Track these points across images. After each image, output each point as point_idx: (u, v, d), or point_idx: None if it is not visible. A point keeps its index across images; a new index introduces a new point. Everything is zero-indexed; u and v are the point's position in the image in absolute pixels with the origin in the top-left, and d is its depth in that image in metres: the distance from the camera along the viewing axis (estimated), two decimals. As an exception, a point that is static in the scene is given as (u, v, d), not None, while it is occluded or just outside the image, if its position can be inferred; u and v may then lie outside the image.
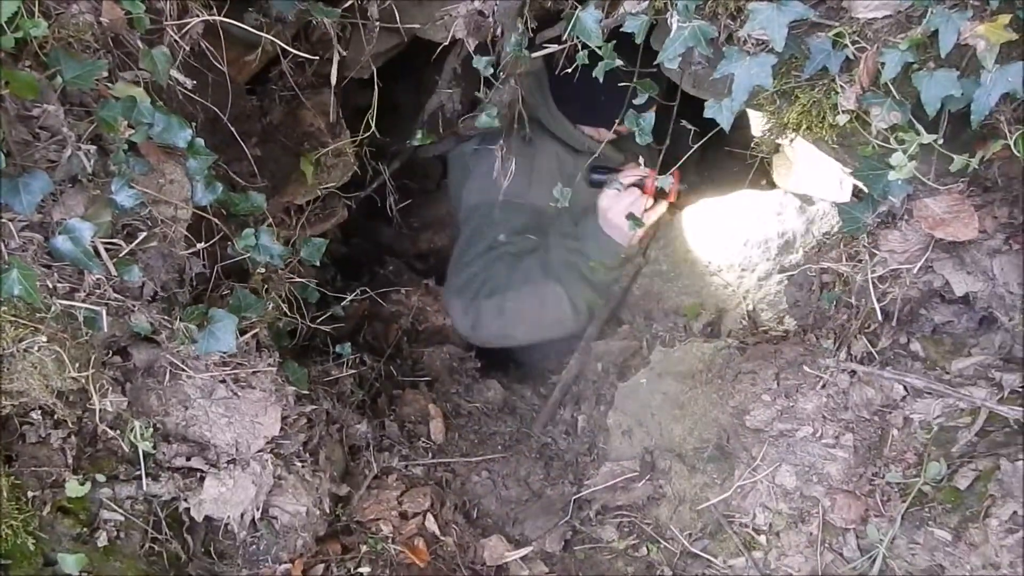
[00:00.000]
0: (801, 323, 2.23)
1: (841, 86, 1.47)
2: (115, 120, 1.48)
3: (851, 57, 1.46)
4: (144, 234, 1.53)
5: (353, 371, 2.40)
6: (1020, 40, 1.27)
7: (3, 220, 1.35)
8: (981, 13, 1.30)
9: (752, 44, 1.52)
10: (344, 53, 2.34)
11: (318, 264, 2.04)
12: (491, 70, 2.13)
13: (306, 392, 2.06)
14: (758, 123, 2.01)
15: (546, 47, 2.16)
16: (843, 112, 1.47)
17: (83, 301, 1.46)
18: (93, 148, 1.45)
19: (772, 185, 2.50)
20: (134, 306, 1.55)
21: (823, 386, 2.02)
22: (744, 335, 2.36)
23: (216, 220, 1.80)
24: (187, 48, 1.80)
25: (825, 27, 1.48)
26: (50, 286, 1.43)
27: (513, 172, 2.46)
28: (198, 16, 1.81)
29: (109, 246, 1.49)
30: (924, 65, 1.38)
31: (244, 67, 2.44)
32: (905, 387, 1.93)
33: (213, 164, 1.72)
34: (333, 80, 2.35)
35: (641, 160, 2.33)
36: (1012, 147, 1.36)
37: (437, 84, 2.92)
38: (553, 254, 2.57)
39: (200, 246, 1.65)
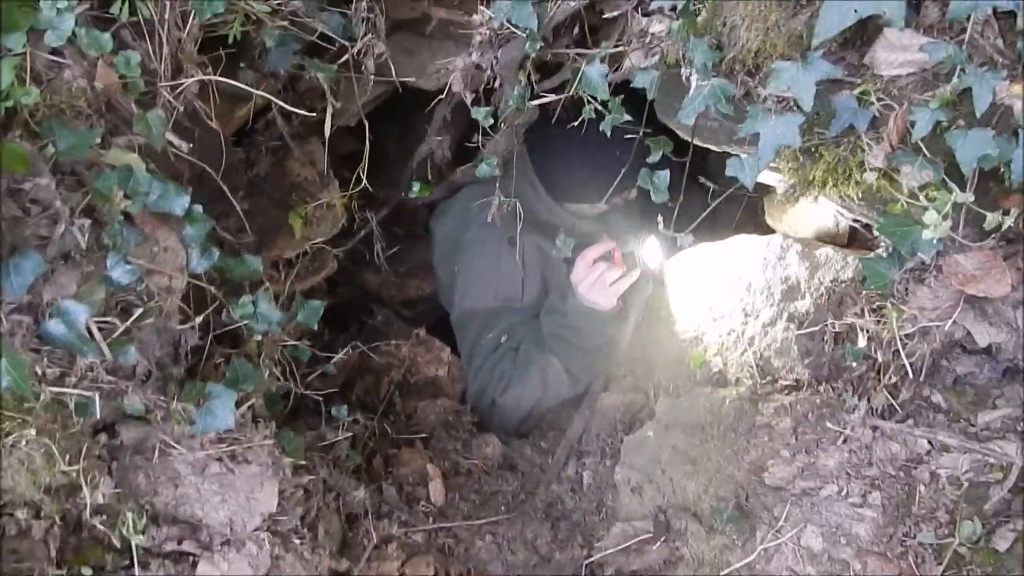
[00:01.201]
0: (815, 374, 2.18)
1: (868, 143, 1.43)
2: (110, 191, 1.39)
3: (877, 115, 1.42)
4: (140, 310, 1.43)
5: (348, 434, 2.31)
6: (1059, 100, 1.24)
7: (-10, 304, 1.25)
8: (1013, 73, 1.27)
9: (773, 101, 1.48)
10: (338, 105, 2.28)
11: (315, 328, 1.95)
12: (491, 121, 2.08)
13: (303, 462, 1.97)
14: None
15: (543, 95, 2.12)
16: (871, 170, 1.43)
17: (74, 387, 1.36)
18: (87, 223, 1.36)
19: (764, 227, 2.49)
20: (127, 387, 1.45)
21: (844, 441, 1.96)
22: (754, 385, 2.31)
23: (211, 287, 1.72)
24: (182, 109, 1.73)
25: (848, 84, 1.44)
26: (39, 372, 1.33)
27: (504, 279, 2.68)
28: (193, 76, 1.74)
29: (102, 325, 1.40)
30: (955, 123, 1.34)
31: (231, 120, 2.37)
32: (930, 441, 1.88)
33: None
34: (327, 132, 2.29)
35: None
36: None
37: (424, 130, 2.87)
38: (544, 330, 2.64)
39: (197, 320, 1.56)
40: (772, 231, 2.43)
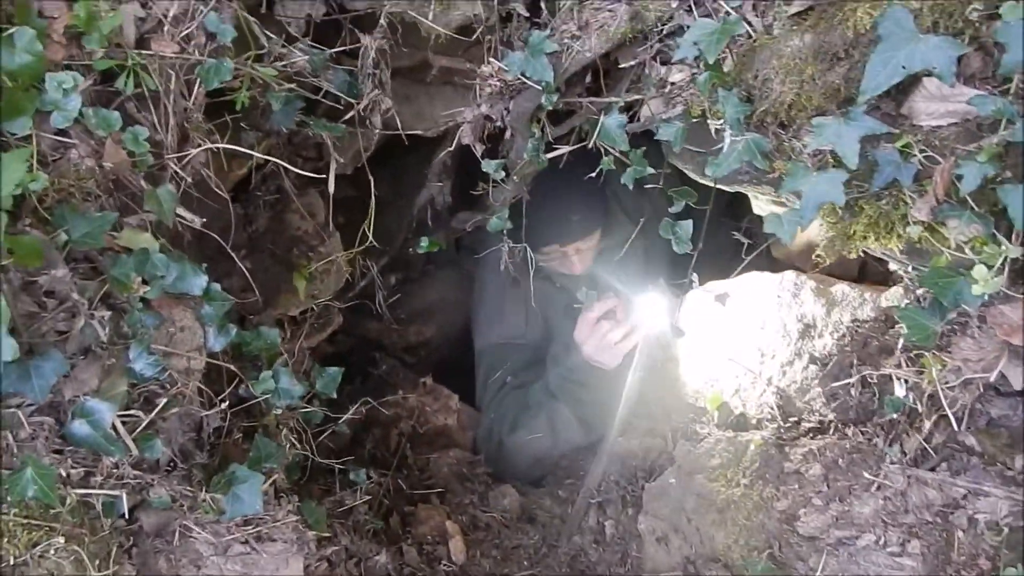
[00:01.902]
0: (841, 416, 2.14)
1: (911, 196, 1.39)
2: (128, 278, 1.33)
3: (920, 167, 1.38)
4: (164, 400, 1.36)
5: (367, 497, 2.24)
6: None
7: (11, 408, 1.18)
8: (1066, 123, 1.24)
9: (808, 155, 1.44)
10: (341, 160, 2.23)
11: (335, 396, 1.88)
12: (502, 174, 2.03)
13: (326, 534, 1.90)
14: (758, 203, 1.95)
15: (557, 147, 2.07)
16: (914, 223, 1.39)
17: (100, 487, 1.29)
18: (106, 314, 1.29)
19: (773, 262, 2.46)
20: (153, 480, 1.38)
21: (878, 488, 1.92)
22: (777, 428, 2.27)
23: (228, 365, 1.65)
24: (190, 180, 1.66)
25: (888, 136, 1.40)
26: (63, 474, 1.26)
27: (509, 315, 2.70)
28: (200, 145, 1.68)
29: (125, 419, 1.33)
30: (1003, 175, 1.31)
31: (230, 178, 2.31)
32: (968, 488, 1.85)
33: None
34: (331, 189, 2.23)
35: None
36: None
37: (419, 175, 2.84)
38: (551, 379, 2.63)
39: (222, 403, 1.49)
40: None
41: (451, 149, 2.59)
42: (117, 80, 1.50)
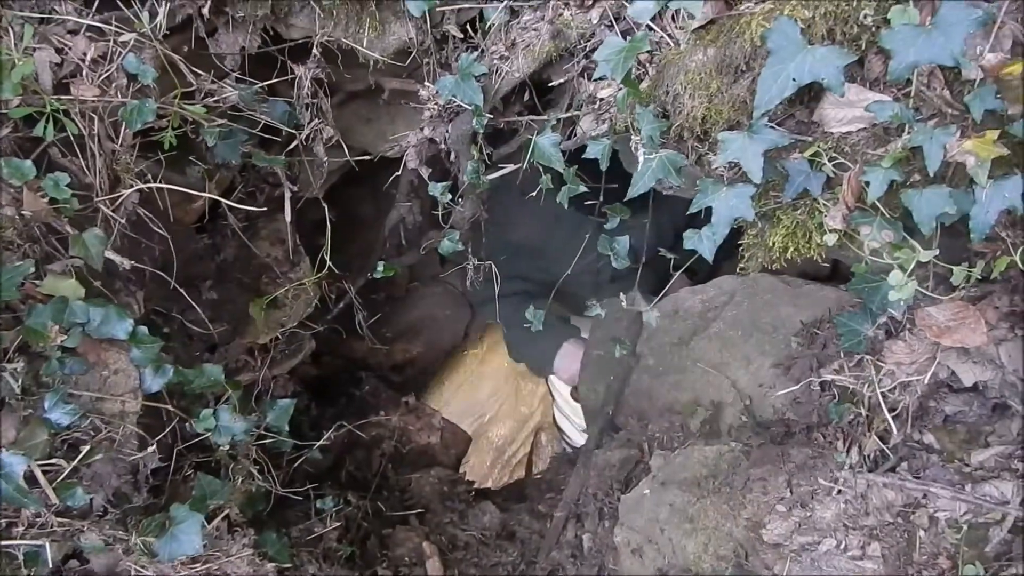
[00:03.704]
0: (805, 420, 2.11)
1: (825, 204, 1.37)
2: (44, 327, 1.34)
3: (831, 175, 1.36)
4: (87, 447, 1.38)
5: (337, 523, 2.24)
6: (1013, 154, 1.17)
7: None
8: (964, 126, 1.21)
9: (724, 168, 1.42)
10: (295, 190, 2.24)
11: (287, 429, 1.89)
12: (448, 197, 2.03)
13: (287, 565, 1.90)
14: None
15: (502, 166, 2.07)
16: (830, 231, 1.37)
17: (22, 537, 1.30)
18: (20, 365, 1.31)
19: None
20: (83, 526, 1.39)
21: (839, 492, 1.89)
22: (747, 434, 2.24)
23: (167, 406, 1.67)
24: (123, 221, 1.68)
25: (799, 143, 1.38)
26: (-17, 526, 1.28)
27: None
28: (132, 185, 1.70)
29: (48, 467, 1.34)
30: (910, 180, 1.28)
31: (190, 210, 2.33)
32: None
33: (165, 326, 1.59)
34: (288, 218, 2.24)
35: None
36: (1020, 263, 1.26)
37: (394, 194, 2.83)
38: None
39: (153, 447, 1.50)
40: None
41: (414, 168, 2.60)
42: (36, 126, 1.52)
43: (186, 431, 1.75)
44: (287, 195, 2.19)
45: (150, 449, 1.49)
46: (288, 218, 2.23)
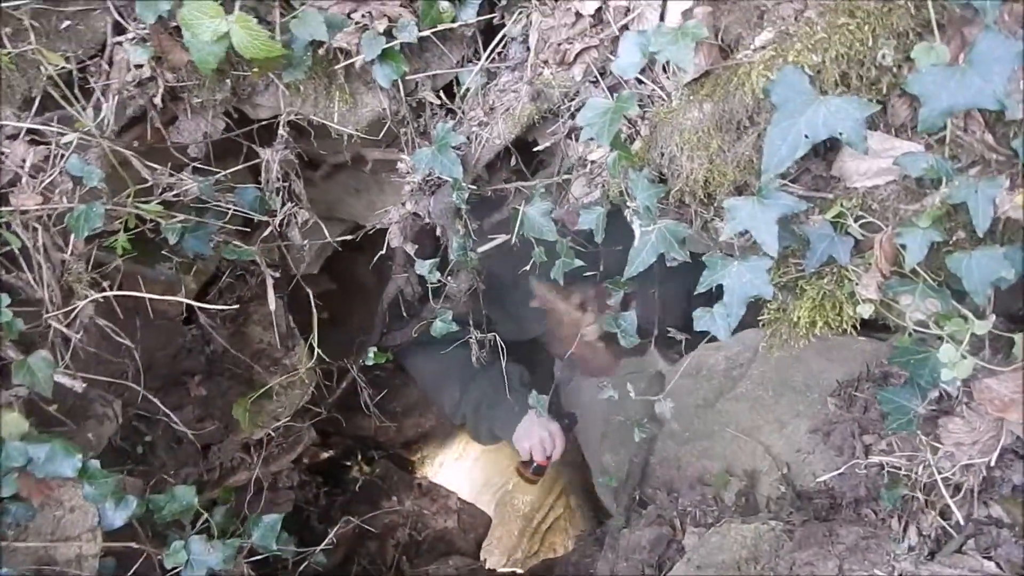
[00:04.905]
0: (852, 493, 1.90)
1: (855, 271, 1.18)
2: (-25, 476, 1.18)
3: (860, 238, 1.17)
4: (33, 609, 1.21)
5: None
6: (1077, 205, 0.98)
7: None
8: (1013, 174, 1.02)
9: (735, 236, 1.23)
10: (277, 276, 2.09)
11: (275, 547, 1.70)
12: (437, 276, 1.86)
13: None
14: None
15: (493, 237, 1.90)
16: (864, 302, 1.17)
17: None
18: (-53, 526, 1.15)
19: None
20: None
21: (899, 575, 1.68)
22: (787, 508, 2.04)
23: (142, 534, 1.50)
24: (78, 337, 1.53)
25: (818, 202, 1.19)
26: None
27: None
28: (87, 296, 1.54)
29: (-11, 637, 1.18)
30: (954, 237, 1.09)
31: (175, 303, 2.19)
32: (998, 563, 1.60)
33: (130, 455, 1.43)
34: (272, 306, 2.09)
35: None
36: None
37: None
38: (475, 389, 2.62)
39: (112, 596, 1.32)
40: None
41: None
42: (-28, 243, 1.38)
43: (163, 563, 1.57)
44: (269, 283, 2.04)
45: (111, 598, 1.32)
46: (272, 306, 2.08)
